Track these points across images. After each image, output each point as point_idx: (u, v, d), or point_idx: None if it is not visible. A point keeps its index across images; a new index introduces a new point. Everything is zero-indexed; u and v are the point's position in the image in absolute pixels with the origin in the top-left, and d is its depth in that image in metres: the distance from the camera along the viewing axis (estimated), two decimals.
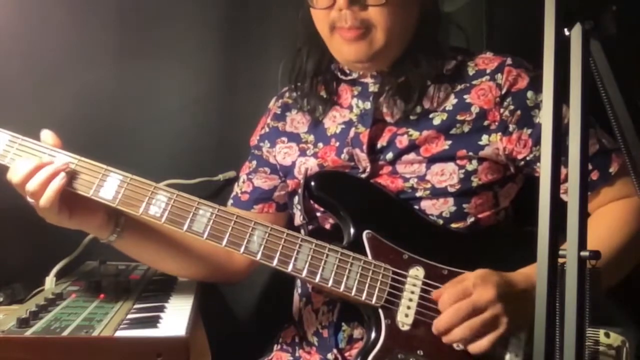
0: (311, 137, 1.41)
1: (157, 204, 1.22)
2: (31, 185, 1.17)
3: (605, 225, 1.24)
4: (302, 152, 1.41)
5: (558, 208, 0.80)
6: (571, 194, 0.81)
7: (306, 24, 1.35)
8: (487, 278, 1.14)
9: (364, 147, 1.31)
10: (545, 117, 0.81)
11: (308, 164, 1.38)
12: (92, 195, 1.21)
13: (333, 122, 1.39)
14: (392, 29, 1.26)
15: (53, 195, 1.17)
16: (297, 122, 1.45)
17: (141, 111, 1.82)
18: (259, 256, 1.21)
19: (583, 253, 0.80)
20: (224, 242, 1.21)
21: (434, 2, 1.35)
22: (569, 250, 0.80)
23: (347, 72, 1.39)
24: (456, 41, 1.43)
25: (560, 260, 0.80)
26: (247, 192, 1.51)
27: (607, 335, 1.13)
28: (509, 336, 1.16)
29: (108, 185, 1.22)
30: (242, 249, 1.21)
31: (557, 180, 0.80)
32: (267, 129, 1.50)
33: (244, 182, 1.52)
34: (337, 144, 1.36)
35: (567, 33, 0.83)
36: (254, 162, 1.52)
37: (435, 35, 1.35)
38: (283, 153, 1.43)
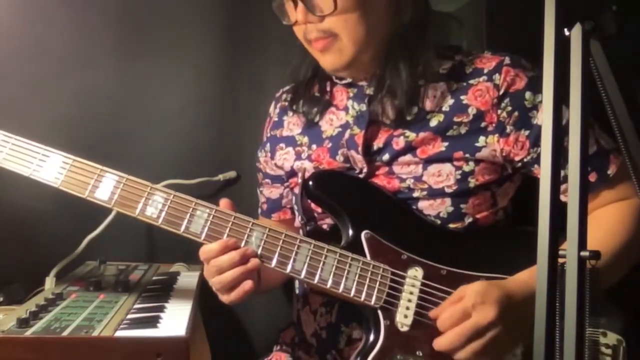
0: (305, 139, 1.41)
1: (153, 204, 1.20)
2: (226, 280, 1.17)
3: (603, 227, 1.23)
4: (298, 156, 1.40)
5: (558, 208, 0.80)
6: (571, 194, 0.81)
7: None
8: (486, 295, 1.12)
9: (359, 148, 1.30)
10: (545, 117, 0.81)
11: (304, 167, 1.38)
12: (87, 197, 1.20)
13: (330, 125, 1.38)
14: (357, 35, 1.25)
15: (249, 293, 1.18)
16: (293, 124, 1.45)
17: (141, 111, 1.82)
18: None
19: (583, 253, 0.80)
20: None
21: (413, 3, 1.30)
22: (569, 250, 0.80)
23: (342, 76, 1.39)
24: (456, 41, 1.43)
25: (560, 260, 0.80)
26: (265, 203, 1.54)
27: (604, 334, 1.13)
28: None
29: (104, 186, 1.21)
30: None
31: (557, 180, 0.80)
32: (266, 139, 1.51)
33: (260, 193, 1.56)
34: (330, 145, 1.36)
35: (567, 33, 0.83)
36: (260, 175, 1.54)
37: (420, 35, 1.31)
38: (282, 159, 1.43)
